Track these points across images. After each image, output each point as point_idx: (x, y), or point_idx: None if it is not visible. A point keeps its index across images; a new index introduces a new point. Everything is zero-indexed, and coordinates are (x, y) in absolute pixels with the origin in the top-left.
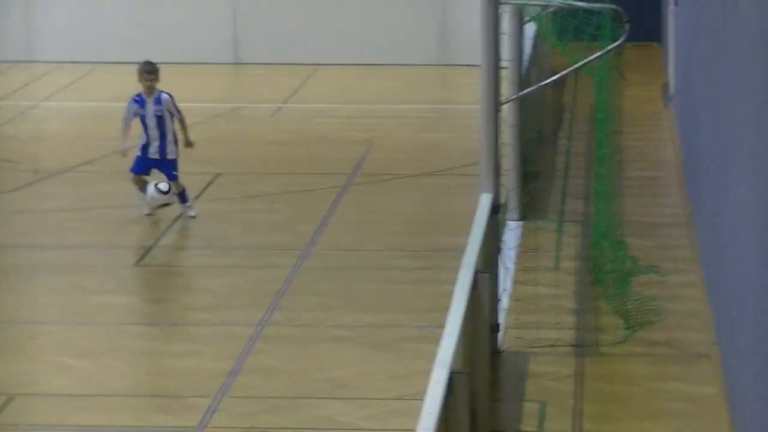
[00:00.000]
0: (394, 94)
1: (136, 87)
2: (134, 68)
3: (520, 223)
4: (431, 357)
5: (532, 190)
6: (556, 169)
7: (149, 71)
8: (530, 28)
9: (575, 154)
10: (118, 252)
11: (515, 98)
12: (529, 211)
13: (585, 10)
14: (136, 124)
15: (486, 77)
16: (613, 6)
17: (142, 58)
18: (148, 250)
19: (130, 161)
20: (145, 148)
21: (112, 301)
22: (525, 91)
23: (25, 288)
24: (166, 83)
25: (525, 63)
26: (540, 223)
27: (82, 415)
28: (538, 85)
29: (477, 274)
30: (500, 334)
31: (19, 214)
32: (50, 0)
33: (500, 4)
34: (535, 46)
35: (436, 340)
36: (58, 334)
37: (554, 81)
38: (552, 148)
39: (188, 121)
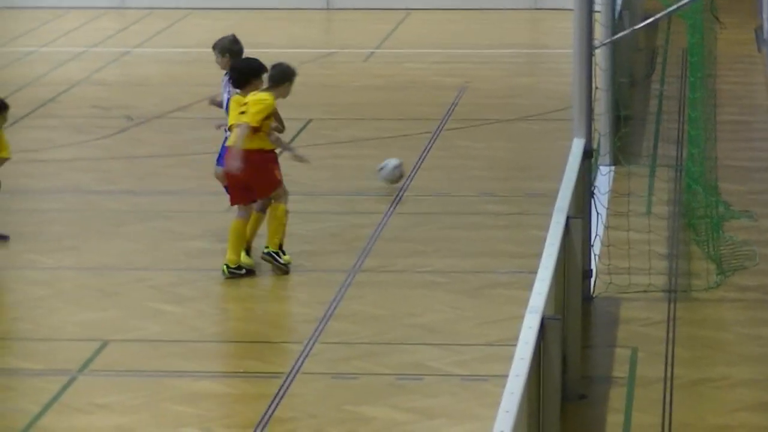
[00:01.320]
0: (487, 39)
1: (231, 32)
2: (228, 14)
3: (613, 167)
4: (522, 302)
5: (625, 134)
6: (648, 113)
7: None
8: None
9: (668, 97)
10: (211, 198)
11: (608, 42)
12: (621, 155)
13: None
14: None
15: (579, 21)
16: None
17: (237, 4)
18: None
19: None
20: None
21: (204, 247)
22: (618, 35)
23: (118, 234)
24: (259, 30)
25: (618, 6)
26: (632, 167)
27: (174, 360)
28: (631, 28)
29: (569, 219)
30: (592, 280)
31: (113, 160)
32: None
33: None
34: None
35: (527, 286)
36: (151, 280)
37: (647, 24)
38: (644, 92)
39: None
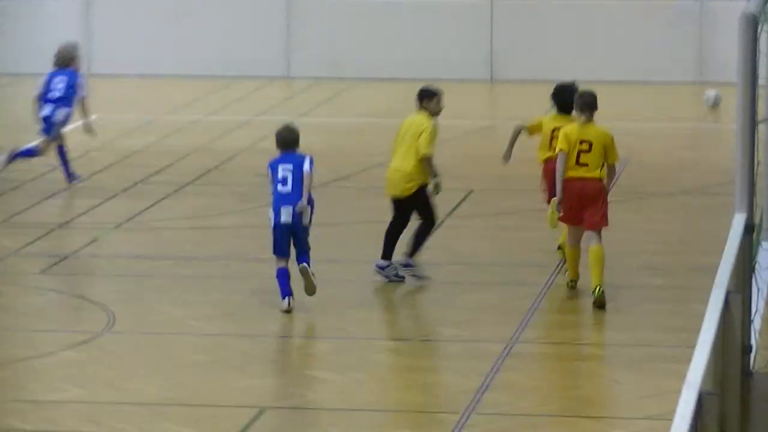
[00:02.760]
0: (650, 112)
1: (395, 104)
2: (392, 85)
3: None
4: (682, 377)
5: None
6: None
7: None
8: None
9: None
10: (371, 267)
11: None
12: None
13: None
14: None
15: (743, 96)
16: None
17: (401, 75)
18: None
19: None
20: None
21: (365, 315)
22: None
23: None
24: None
25: None
26: None
27: (330, 429)
28: None
29: (729, 294)
30: (752, 355)
31: None
32: (309, 17)
33: (760, 23)
34: None
35: (687, 361)
36: (310, 348)
37: None
38: None
39: (443, 137)
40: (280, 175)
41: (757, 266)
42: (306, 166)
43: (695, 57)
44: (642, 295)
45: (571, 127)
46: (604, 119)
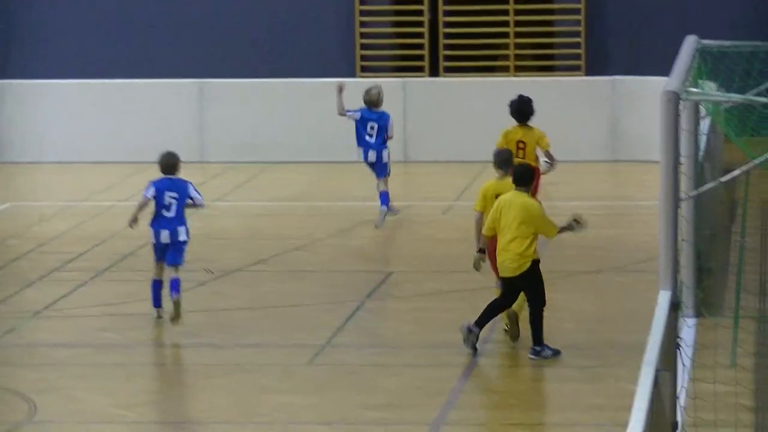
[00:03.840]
0: (565, 191)
1: (311, 185)
2: (308, 167)
3: (696, 319)
4: None
5: (707, 286)
6: (729, 264)
7: None
8: (704, 123)
9: (749, 249)
10: (292, 351)
11: (695, 194)
12: (703, 307)
13: (765, 105)
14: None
15: (665, 174)
16: None
17: (316, 157)
18: (321, 349)
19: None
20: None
21: (287, 400)
22: (706, 186)
23: (201, 387)
24: (339, 182)
25: (699, 158)
26: (716, 319)
27: None
28: (718, 180)
29: (658, 372)
30: None
31: (194, 313)
32: (222, 102)
33: (681, 100)
34: (708, 142)
35: None
36: None
37: (732, 176)
38: (725, 243)
39: (362, 219)
40: (165, 201)
41: (681, 343)
42: (195, 195)
43: (606, 135)
44: (566, 374)
45: (488, 185)
46: None
